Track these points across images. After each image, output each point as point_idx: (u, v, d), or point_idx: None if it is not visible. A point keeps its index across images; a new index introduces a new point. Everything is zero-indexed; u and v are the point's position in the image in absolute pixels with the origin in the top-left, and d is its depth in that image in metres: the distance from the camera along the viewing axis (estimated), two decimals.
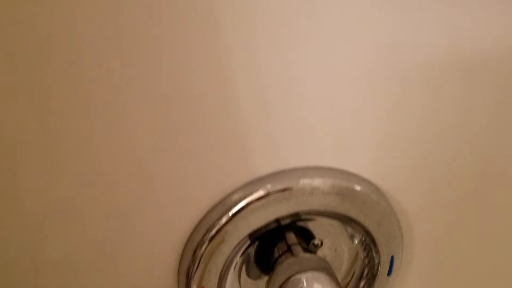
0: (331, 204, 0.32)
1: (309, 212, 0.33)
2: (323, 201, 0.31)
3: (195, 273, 0.31)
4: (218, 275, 0.32)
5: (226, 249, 0.31)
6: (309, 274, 0.31)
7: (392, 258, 0.35)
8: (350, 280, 0.37)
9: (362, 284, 0.37)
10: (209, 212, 0.31)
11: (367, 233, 0.34)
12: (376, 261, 0.35)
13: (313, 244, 0.35)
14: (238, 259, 0.33)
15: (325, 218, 0.34)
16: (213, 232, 0.31)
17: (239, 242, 0.32)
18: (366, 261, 0.36)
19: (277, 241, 0.35)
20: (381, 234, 0.34)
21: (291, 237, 0.35)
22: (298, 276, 0.31)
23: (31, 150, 0.26)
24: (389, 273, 0.36)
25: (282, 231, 0.35)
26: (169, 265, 0.32)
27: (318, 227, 0.35)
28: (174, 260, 0.32)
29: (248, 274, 0.35)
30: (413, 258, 0.37)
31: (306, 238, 0.35)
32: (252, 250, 0.34)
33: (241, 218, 0.31)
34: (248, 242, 0.33)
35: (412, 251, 0.37)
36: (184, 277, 0.31)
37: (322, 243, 0.35)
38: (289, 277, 0.31)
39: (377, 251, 0.35)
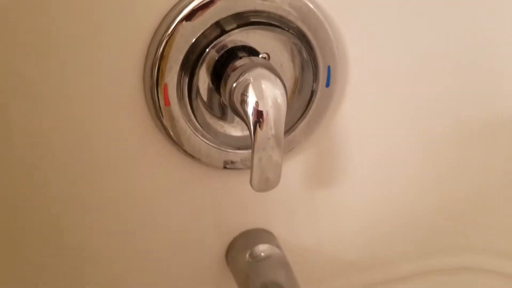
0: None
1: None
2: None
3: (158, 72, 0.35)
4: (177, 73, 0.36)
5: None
6: (256, 71, 0.35)
7: (329, 68, 0.40)
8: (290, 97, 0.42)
9: (302, 98, 0.42)
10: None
11: (307, 43, 0.38)
12: (315, 72, 0.40)
13: (262, 58, 0.40)
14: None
15: (268, 31, 0.38)
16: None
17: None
18: (305, 75, 0.41)
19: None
20: (318, 42, 0.38)
21: (241, 52, 0.39)
22: (245, 75, 0.35)
23: None
24: (327, 84, 0.41)
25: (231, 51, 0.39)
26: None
27: (264, 41, 0.39)
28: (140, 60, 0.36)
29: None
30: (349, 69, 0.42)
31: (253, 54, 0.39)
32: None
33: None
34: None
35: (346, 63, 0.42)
36: (149, 78, 0.36)
37: (269, 57, 0.40)
38: (238, 77, 0.36)
39: (316, 62, 0.40)
